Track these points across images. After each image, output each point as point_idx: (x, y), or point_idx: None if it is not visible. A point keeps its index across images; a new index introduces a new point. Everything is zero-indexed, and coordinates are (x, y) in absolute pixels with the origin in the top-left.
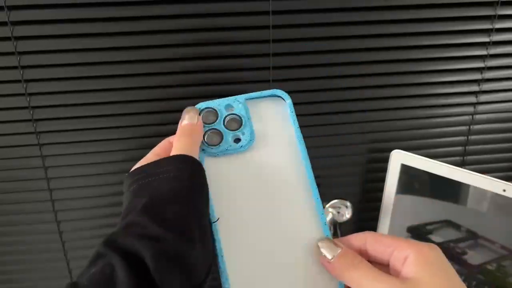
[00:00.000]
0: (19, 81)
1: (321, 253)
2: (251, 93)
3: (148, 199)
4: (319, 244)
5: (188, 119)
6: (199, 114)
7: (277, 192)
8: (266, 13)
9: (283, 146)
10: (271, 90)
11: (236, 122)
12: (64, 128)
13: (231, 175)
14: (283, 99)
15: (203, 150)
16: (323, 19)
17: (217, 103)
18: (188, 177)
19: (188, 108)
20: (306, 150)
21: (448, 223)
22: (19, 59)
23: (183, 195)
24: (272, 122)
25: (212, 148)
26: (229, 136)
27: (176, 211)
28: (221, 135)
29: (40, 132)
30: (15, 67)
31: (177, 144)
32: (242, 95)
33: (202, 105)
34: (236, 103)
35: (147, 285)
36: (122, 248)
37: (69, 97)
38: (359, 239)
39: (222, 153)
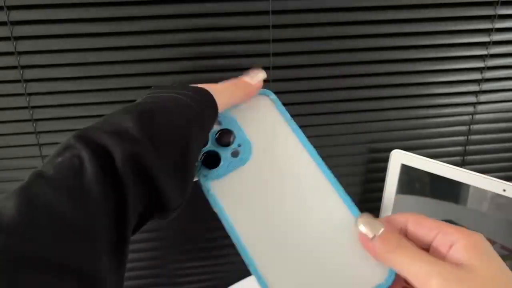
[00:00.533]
0: (19, 81)
1: (360, 231)
2: None
3: (147, 105)
4: (359, 220)
5: (248, 77)
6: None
7: (293, 188)
8: (266, 13)
9: (282, 142)
10: None
11: (228, 136)
12: (64, 128)
13: (242, 190)
14: (266, 95)
15: (205, 176)
16: (323, 19)
17: None
18: (198, 113)
19: (257, 68)
20: (305, 137)
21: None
22: (18, 59)
23: (182, 122)
24: (264, 121)
25: (214, 171)
26: (226, 152)
27: (166, 129)
28: (217, 155)
29: (40, 132)
30: (14, 67)
31: (218, 85)
32: None
33: None
34: (222, 117)
35: (114, 185)
36: (93, 142)
37: (69, 97)
38: (401, 219)
39: (226, 172)
